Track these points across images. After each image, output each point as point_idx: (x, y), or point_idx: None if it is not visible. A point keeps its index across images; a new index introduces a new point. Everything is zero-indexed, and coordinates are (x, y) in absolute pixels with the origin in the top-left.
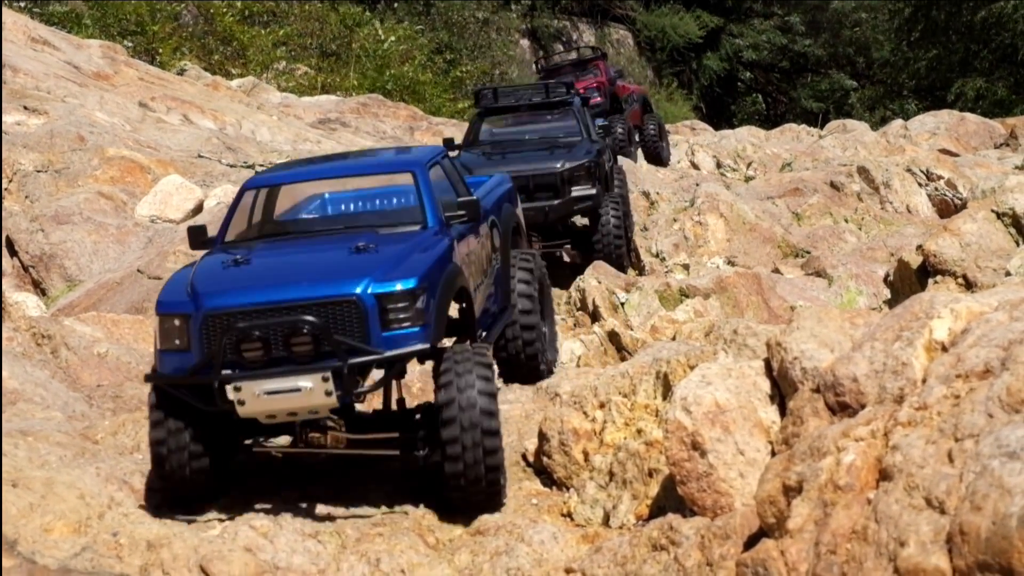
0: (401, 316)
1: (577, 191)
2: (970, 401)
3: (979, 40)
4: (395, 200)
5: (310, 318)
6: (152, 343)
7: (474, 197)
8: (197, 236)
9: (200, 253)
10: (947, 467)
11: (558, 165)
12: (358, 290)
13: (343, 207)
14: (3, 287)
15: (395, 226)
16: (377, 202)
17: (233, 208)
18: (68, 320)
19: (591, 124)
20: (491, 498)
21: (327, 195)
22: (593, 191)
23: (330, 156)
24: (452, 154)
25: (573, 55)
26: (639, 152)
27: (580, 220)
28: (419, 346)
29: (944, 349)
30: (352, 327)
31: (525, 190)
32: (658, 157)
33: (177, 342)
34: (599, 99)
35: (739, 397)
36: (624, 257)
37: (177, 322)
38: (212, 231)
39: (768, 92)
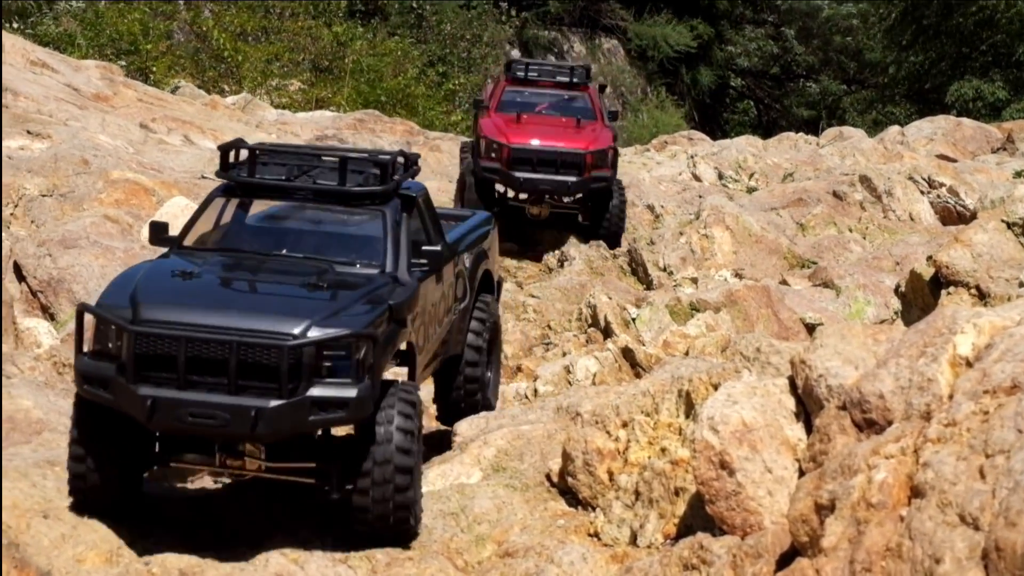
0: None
1: (320, 392)
2: (999, 417)
3: (970, 42)
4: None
5: None
6: None
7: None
8: None
9: None
10: (979, 483)
11: (295, 330)
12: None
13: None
14: (14, 313)
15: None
16: None
17: None
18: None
19: (402, 239)
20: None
21: None
22: (352, 395)
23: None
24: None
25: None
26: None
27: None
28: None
29: (969, 364)
30: None
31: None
32: (614, 239)
33: None
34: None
35: (765, 415)
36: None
37: None
38: None
39: (760, 99)
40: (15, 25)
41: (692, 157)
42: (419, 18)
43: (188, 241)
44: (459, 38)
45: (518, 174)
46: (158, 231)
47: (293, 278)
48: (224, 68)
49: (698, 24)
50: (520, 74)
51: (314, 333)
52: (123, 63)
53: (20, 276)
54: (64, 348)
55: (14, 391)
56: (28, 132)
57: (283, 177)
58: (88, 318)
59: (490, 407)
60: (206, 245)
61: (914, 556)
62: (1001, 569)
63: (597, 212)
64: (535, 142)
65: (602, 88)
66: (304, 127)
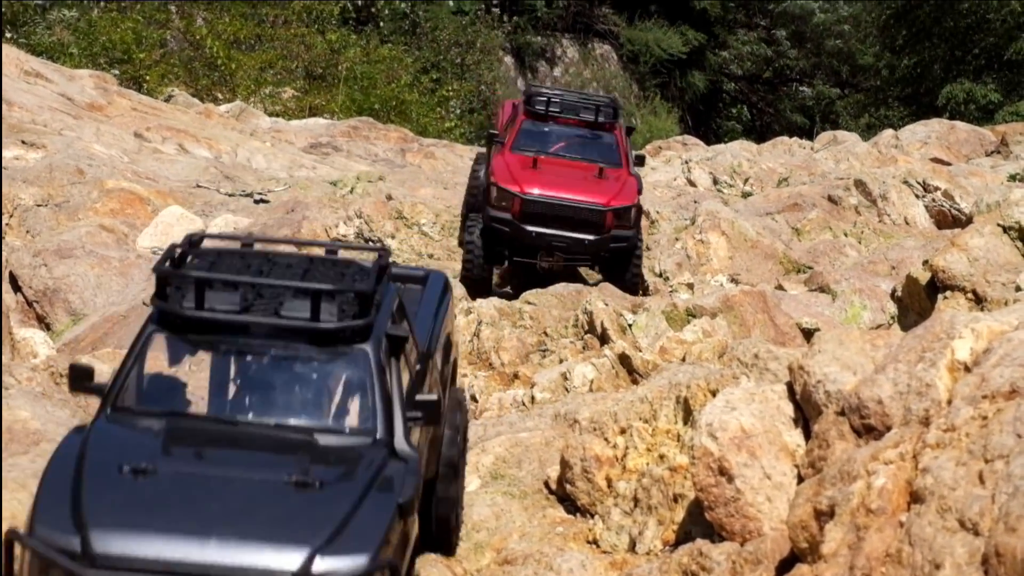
0: None
1: None
2: (998, 422)
3: (962, 45)
4: None
5: None
6: None
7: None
8: None
9: None
10: (979, 488)
11: (294, 566)
12: None
13: None
14: (10, 323)
15: None
16: None
17: None
18: (85, 358)
19: (393, 390)
20: None
21: None
22: None
23: None
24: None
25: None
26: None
27: None
28: None
29: (967, 369)
30: None
31: None
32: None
33: None
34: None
35: (764, 421)
36: None
37: None
38: None
39: (753, 103)
40: (8, 34)
41: (687, 162)
42: (412, 25)
43: (124, 395)
44: (452, 44)
45: (530, 228)
46: (81, 378)
47: (271, 466)
48: (217, 76)
49: (687, 30)
50: (540, 108)
51: (320, 567)
52: (116, 72)
53: (16, 286)
54: (61, 358)
55: (12, 402)
56: (23, 142)
57: (237, 307)
58: (20, 551)
59: (459, 521)
60: (147, 404)
61: (914, 562)
62: (1001, 574)
63: (615, 270)
64: (551, 193)
65: (630, 130)
66: (299, 135)
